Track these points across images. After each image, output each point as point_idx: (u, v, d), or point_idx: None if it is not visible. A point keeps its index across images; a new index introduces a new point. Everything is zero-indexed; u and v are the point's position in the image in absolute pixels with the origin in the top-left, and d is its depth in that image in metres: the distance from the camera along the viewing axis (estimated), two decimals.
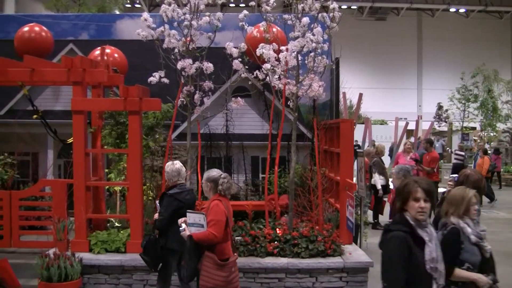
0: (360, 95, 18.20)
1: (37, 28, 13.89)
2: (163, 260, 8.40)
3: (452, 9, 49.26)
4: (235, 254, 7.42)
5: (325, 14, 10.33)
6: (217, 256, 7.07)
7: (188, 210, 7.39)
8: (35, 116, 11.56)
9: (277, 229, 10.44)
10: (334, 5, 10.23)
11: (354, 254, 10.20)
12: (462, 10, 50.11)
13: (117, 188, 11.62)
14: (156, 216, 8.38)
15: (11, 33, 14.67)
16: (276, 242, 10.10)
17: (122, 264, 9.88)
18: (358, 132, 16.51)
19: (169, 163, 8.47)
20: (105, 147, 11.69)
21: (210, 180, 7.36)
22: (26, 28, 13.88)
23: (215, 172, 7.44)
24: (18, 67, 10.70)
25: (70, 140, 10.91)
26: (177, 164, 8.45)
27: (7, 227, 10.86)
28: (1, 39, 15.31)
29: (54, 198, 10.88)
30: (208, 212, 7.13)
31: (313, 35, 10.01)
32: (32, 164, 14.98)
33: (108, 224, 11.19)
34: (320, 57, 10.39)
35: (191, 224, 7.17)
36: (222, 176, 7.36)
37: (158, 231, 8.34)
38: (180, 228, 7.27)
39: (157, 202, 8.44)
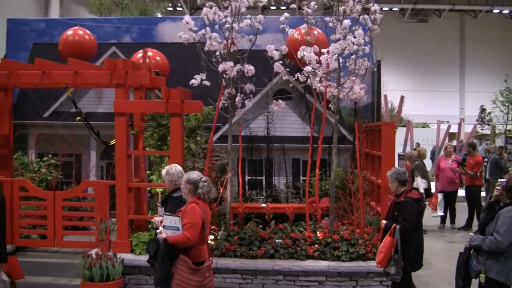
0: (402, 97, 17.99)
1: (80, 32, 14.05)
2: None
3: (496, 10, 48.38)
4: (211, 258, 7.35)
5: (366, 16, 10.28)
6: (192, 259, 7.03)
7: (165, 213, 7.35)
8: (78, 118, 11.71)
9: (318, 232, 10.43)
10: (376, 7, 10.17)
11: None
12: (506, 11, 49.25)
13: (159, 190, 11.69)
14: (156, 218, 7.99)
15: (56, 36, 14.87)
16: (316, 245, 10.09)
17: None
18: (400, 135, 16.32)
19: (172, 165, 8.23)
20: (147, 149, 11.79)
21: (190, 182, 7.24)
22: (70, 32, 14.05)
23: (195, 175, 7.33)
24: (63, 70, 10.87)
25: (112, 142, 11.02)
26: (178, 166, 8.24)
27: (51, 227, 11.02)
28: (47, 43, 15.52)
29: (97, 199, 11.00)
30: (184, 215, 7.06)
31: (354, 37, 9.97)
32: (75, 165, 15.15)
33: (149, 225, 11.26)
34: (361, 60, 10.34)
35: (168, 227, 7.14)
36: (202, 179, 7.26)
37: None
38: (157, 231, 7.26)
39: (158, 204, 8.26)
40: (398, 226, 8.14)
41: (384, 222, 8.58)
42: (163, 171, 8.20)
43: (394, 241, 8.11)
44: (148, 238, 10.40)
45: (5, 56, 14.46)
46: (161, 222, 7.41)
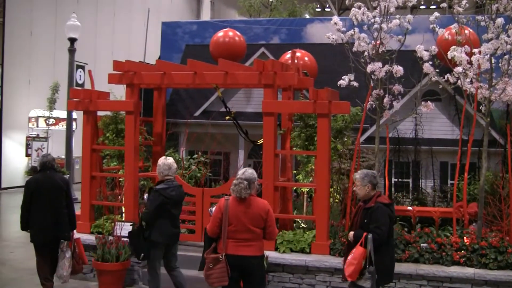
0: None
1: (231, 33, 14.42)
2: (145, 251, 8.87)
3: None
4: (219, 253, 7.51)
5: None
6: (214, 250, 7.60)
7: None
8: (227, 117, 12.00)
9: (465, 237, 10.15)
10: None
11: None
12: None
13: (305, 190, 11.78)
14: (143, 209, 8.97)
15: (207, 38, 15.37)
16: (463, 251, 9.82)
17: (306, 265, 10.02)
18: None
19: (162, 158, 8.97)
20: (294, 148, 11.89)
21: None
22: (220, 33, 14.46)
23: (248, 172, 7.76)
24: (213, 70, 11.16)
25: (260, 141, 11.22)
26: (169, 159, 8.90)
27: (199, 222, 11.31)
28: (198, 44, 16.08)
29: None
30: None
31: (508, 36, 9.64)
32: (223, 163, 15.55)
33: (294, 225, 11.37)
34: None
35: None
36: (238, 176, 7.73)
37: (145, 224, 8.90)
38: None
39: (145, 196, 8.91)
40: (370, 235, 7.48)
41: (351, 233, 7.90)
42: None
43: (366, 252, 7.44)
44: (292, 237, 10.52)
45: (159, 58, 15.08)
46: None
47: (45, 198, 9.46)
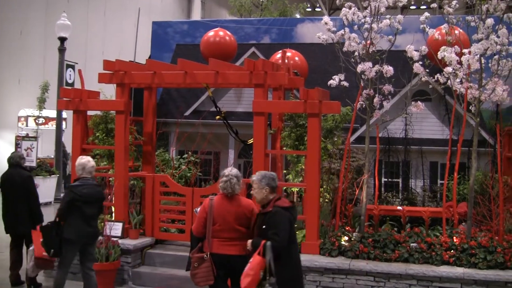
0: None
1: (221, 33, 14.41)
2: (56, 247, 8.83)
3: None
4: (206, 253, 7.53)
5: (511, 14, 9.96)
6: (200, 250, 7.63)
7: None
8: (218, 117, 11.98)
9: (454, 237, 10.18)
10: None
11: None
12: None
13: (295, 189, 11.79)
14: None
15: (197, 37, 15.34)
16: (452, 250, 9.84)
17: None
18: None
19: (79, 157, 9.18)
20: (284, 148, 11.91)
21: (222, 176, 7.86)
22: (211, 33, 14.44)
23: (229, 170, 7.83)
24: (204, 70, 11.16)
25: (250, 141, 11.21)
26: (84, 159, 9.08)
27: (189, 222, 11.27)
28: (189, 44, 16.05)
29: None
30: None
31: (498, 37, 9.68)
32: (213, 163, 15.55)
33: None
34: (504, 60, 10.02)
35: None
36: (225, 174, 7.79)
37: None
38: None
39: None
40: (268, 243, 6.99)
41: (249, 241, 7.38)
42: None
43: (264, 261, 6.94)
44: None
45: (150, 57, 15.06)
46: None
47: (6, 194, 10.40)
